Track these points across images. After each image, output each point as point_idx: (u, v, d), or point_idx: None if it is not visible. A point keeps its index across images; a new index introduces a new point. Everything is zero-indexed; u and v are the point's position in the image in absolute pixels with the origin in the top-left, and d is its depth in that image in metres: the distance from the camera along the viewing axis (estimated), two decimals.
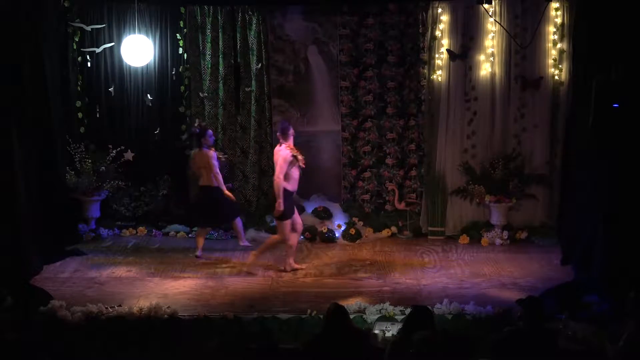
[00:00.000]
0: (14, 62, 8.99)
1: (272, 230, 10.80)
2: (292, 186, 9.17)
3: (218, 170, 9.76)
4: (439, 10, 10.56)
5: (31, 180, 9.25)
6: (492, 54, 10.56)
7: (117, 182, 10.83)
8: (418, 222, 11.03)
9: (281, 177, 8.98)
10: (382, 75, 11.08)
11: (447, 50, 10.59)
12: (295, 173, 9.13)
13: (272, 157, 11.15)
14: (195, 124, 10.41)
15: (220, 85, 11.09)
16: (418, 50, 10.84)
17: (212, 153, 9.81)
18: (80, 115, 10.98)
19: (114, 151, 10.86)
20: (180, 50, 11.04)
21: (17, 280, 8.41)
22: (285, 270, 9.28)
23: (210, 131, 9.94)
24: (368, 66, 11.09)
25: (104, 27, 10.89)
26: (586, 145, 9.02)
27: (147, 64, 10.78)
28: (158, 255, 10.02)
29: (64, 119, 10.56)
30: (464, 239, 10.64)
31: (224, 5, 10.95)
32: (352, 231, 10.78)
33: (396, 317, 7.55)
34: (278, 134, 9.36)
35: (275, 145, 11.04)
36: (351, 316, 7.04)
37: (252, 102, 11.11)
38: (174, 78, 11.09)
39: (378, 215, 11.26)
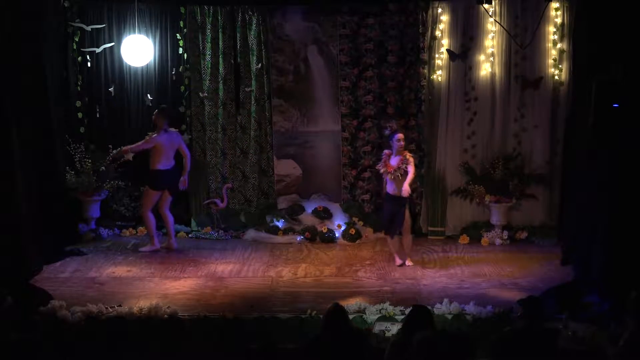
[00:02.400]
0: (14, 62, 8.97)
1: (273, 230, 10.82)
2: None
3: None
4: (439, 10, 10.57)
5: (31, 180, 9.23)
6: (492, 54, 10.56)
7: (117, 182, 10.82)
8: (418, 222, 11.02)
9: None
10: (382, 75, 11.06)
11: (447, 50, 10.59)
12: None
13: (272, 157, 11.23)
14: (388, 125, 9.65)
15: (220, 85, 11.08)
16: (418, 50, 10.82)
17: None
18: (80, 115, 10.98)
19: (114, 151, 10.86)
20: (180, 50, 11.04)
21: (17, 280, 8.40)
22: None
23: (397, 135, 9.23)
24: (368, 66, 11.06)
25: (104, 27, 10.89)
26: (586, 145, 8.99)
27: (147, 64, 10.79)
28: (158, 255, 10.01)
29: (63, 119, 10.55)
30: (464, 239, 10.64)
31: (224, 5, 10.95)
32: (352, 231, 10.77)
33: (396, 317, 7.54)
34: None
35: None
36: (351, 316, 7.05)
37: (252, 102, 11.11)
38: (174, 78, 11.08)
39: (378, 215, 11.25)
